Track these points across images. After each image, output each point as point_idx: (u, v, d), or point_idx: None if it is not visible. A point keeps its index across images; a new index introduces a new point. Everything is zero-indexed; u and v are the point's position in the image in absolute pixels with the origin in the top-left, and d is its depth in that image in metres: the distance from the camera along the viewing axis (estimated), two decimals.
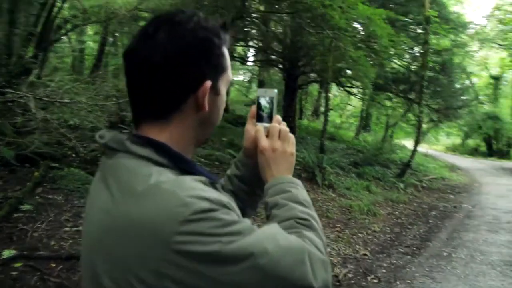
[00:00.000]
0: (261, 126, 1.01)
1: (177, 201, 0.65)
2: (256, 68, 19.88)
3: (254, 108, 1.05)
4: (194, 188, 0.68)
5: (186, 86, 0.77)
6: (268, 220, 0.92)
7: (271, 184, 0.95)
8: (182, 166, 0.76)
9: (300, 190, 0.94)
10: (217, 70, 0.82)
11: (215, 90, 0.82)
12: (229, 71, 0.87)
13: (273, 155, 0.97)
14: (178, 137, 0.80)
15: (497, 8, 23.58)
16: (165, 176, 0.70)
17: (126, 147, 0.75)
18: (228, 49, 0.87)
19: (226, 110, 15.01)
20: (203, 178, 0.73)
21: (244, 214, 1.02)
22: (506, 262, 5.04)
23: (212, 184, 0.74)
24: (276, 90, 1.04)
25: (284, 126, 1.01)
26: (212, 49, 0.80)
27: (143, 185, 0.68)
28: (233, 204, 0.74)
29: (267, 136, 0.99)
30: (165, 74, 0.75)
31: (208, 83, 0.78)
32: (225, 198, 0.72)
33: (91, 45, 15.36)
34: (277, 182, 0.95)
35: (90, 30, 14.50)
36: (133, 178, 0.70)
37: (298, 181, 0.97)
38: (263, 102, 1.03)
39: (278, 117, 1.02)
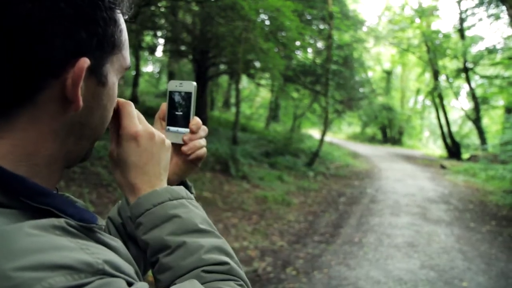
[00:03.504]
0: (171, 135, 0.76)
1: None
2: (166, 59, 19.17)
3: (164, 106, 0.78)
4: (36, 248, 0.40)
5: (42, 64, 0.47)
6: (155, 276, 0.62)
7: (143, 207, 0.62)
8: (29, 200, 0.46)
9: (190, 207, 0.64)
10: (104, 45, 0.52)
11: (98, 76, 0.53)
12: (126, 51, 0.57)
13: (152, 144, 0.65)
14: (29, 149, 0.49)
15: (387, 9, 25.87)
16: None
17: None
18: (127, 20, 0.58)
19: (136, 101, 14.22)
20: (60, 221, 0.44)
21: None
22: (409, 243, 5.46)
23: (85, 230, 0.47)
24: (195, 83, 0.77)
25: (203, 141, 0.77)
26: (97, 9, 0.50)
27: None
28: (117, 260, 0.46)
29: (182, 145, 0.74)
30: (2, 37, 0.45)
31: (84, 62, 0.49)
32: (104, 253, 0.45)
33: None
34: (152, 202, 0.62)
35: None
36: None
37: (182, 190, 0.66)
38: (177, 98, 0.77)
39: (197, 120, 0.77)
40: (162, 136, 0.67)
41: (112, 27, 0.53)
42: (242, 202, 6.85)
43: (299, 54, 13.34)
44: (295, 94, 15.91)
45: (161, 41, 16.02)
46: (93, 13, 0.49)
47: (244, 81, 19.20)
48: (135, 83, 15.33)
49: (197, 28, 13.06)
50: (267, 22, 10.74)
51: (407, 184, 10.64)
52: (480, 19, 17.67)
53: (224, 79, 21.05)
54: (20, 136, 0.49)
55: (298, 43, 11.52)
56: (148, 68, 25.32)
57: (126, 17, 0.58)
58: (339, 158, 15.52)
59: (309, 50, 14.17)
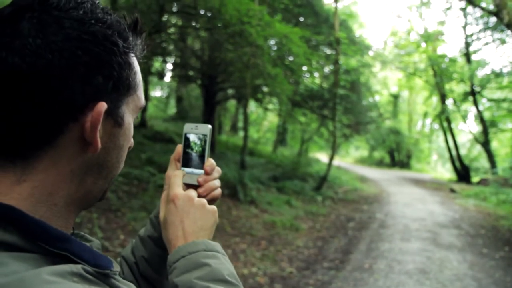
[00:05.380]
0: (186, 173, 0.79)
1: None
2: (174, 84, 19.47)
3: (179, 148, 0.81)
4: None
5: (62, 110, 0.49)
6: None
7: (179, 253, 0.68)
8: (47, 245, 0.47)
9: (222, 260, 0.68)
10: (119, 88, 0.55)
11: (114, 118, 0.55)
12: (140, 92, 0.60)
13: (188, 205, 0.72)
14: (48, 190, 0.51)
15: (393, 34, 26.22)
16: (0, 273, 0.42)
17: None
18: (141, 61, 0.61)
19: (144, 125, 14.41)
20: (78, 267, 0.45)
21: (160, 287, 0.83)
22: (420, 270, 5.36)
23: (101, 276, 0.48)
24: (210, 126, 0.81)
25: (217, 182, 0.80)
26: (112, 54, 0.53)
27: None
28: None
29: (197, 187, 0.77)
30: (25, 89, 0.47)
31: (102, 106, 0.51)
32: None
33: None
34: (188, 250, 0.67)
35: None
36: None
37: (218, 245, 0.71)
38: (193, 140, 0.80)
39: (211, 161, 0.79)
40: (203, 201, 0.74)
41: (127, 70, 0.55)
42: (251, 227, 6.80)
43: (306, 77, 13.48)
44: (302, 119, 16.00)
45: (170, 66, 16.34)
46: (109, 59, 0.52)
47: (252, 106, 19.37)
48: (144, 108, 15.52)
49: (205, 53, 13.32)
50: (275, 48, 10.92)
51: (416, 209, 10.50)
52: (486, 44, 17.83)
53: (232, 103, 21.24)
54: (40, 178, 0.50)
55: (305, 68, 11.68)
56: (157, 93, 25.70)
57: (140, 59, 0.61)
58: (347, 182, 15.42)
59: (316, 74, 14.33)
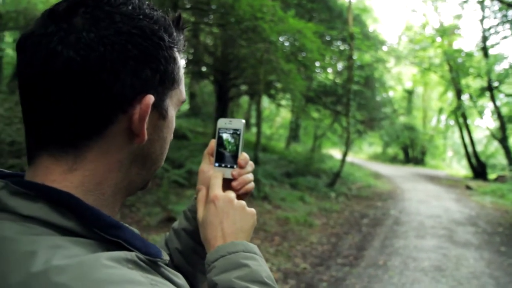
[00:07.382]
0: (220, 170, 0.79)
1: None
2: (187, 80, 19.53)
3: (213, 143, 0.81)
4: (111, 280, 0.41)
5: (113, 101, 0.51)
6: None
7: (219, 253, 0.68)
8: (102, 232, 0.48)
9: (260, 261, 0.69)
10: (165, 81, 0.56)
11: (160, 110, 0.57)
12: (182, 86, 0.62)
13: (228, 206, 0.73)
14: (97, 179, 0.53)
15: (408, 29, 25.86)
16: (61, 256, 0.43)
17: (0, 202, 0.48)
18: (182, 56, 0.63)
19: None
20: (132, 255, 0.46)
21: (193, 280, 0.84)
22: (436, 267, 5.30)
23: (152, 264, 0.49)
24: (243, 121, 0.81)
25: (250, 176, 0.80)
26: (159, 49, 0.54)
27: (18, 275, 0.41)
28: None
29: (230, 180, 0.77)
30: (79, 81, 0.49)
31: (150, 99, 0.53)
32: None
33: (11, 53, 14.00)
34: (228, 250, 0.68)
35: (8, 37, 13.32)
36: (3, 261, 0.42)
37: (256, 247, 0.72)
38: (226, 136, 0.80)
39: (245, 155, 0.80)
40: (243, 203, 0.76)
41: (172, 64, 0.57)
42: (264, 223, 6.81)
43: (319, 73, 13.37)
44: (315, 114, 15.92)
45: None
46: (156, 53, 0.54)
47: (265, 102, 19.34)
48: None
49: (218, 50, 13.31)
50: (288, 44, 10.85)
51: (431, 206, 10.38)
52: (504, 37, 17.45)
53: (244, 99, 21.23)
54: (90, 167, 0.52)
55: (318, 63, 11.59)
56: None
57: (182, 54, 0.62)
58: (361, 178, 15.31)
59: (330, 70, 14.21)
